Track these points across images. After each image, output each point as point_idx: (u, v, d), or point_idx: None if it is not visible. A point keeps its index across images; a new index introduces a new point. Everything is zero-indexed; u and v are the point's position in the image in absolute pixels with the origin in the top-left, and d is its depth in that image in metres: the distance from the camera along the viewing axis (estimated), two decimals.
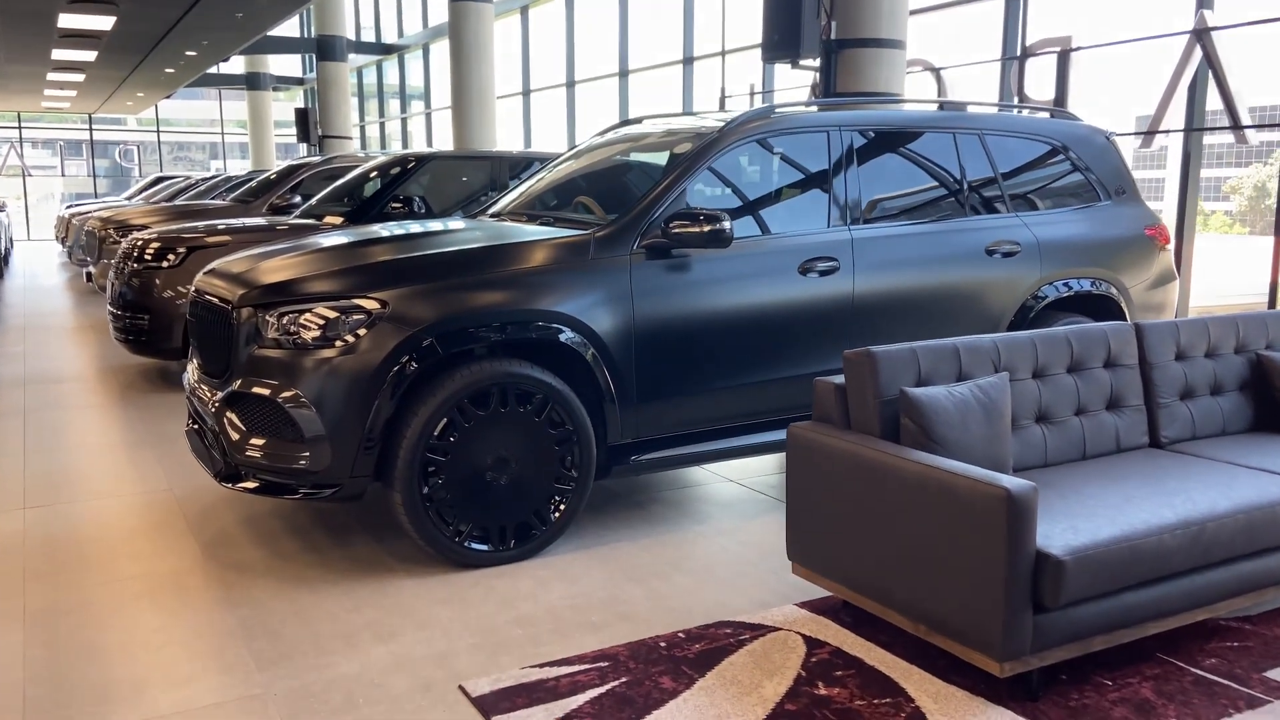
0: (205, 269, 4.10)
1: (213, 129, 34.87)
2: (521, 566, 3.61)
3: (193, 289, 3.99)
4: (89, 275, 11.06)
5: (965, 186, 4.60)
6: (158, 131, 33.15)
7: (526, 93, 16.94)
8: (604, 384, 3.71)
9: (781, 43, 6.76)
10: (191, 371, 4.06)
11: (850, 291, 4.18)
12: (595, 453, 3.73)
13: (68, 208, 20.11)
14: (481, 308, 3.51)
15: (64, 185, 33.60)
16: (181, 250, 6.95)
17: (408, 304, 3.43)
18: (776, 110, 4.31)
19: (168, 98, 26.75)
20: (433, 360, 3.42)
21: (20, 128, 29.69)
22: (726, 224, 3.73)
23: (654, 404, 3.84)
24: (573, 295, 3.66)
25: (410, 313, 3.42)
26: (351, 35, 22.68)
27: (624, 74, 13.93)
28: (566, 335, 3.62)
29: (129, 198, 18.99)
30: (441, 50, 20.09)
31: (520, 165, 7.88)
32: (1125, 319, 4.86)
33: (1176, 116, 6.89)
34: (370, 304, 3.41)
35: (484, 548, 3.57)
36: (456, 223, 4.51)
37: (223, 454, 3.58)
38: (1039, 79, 7.48)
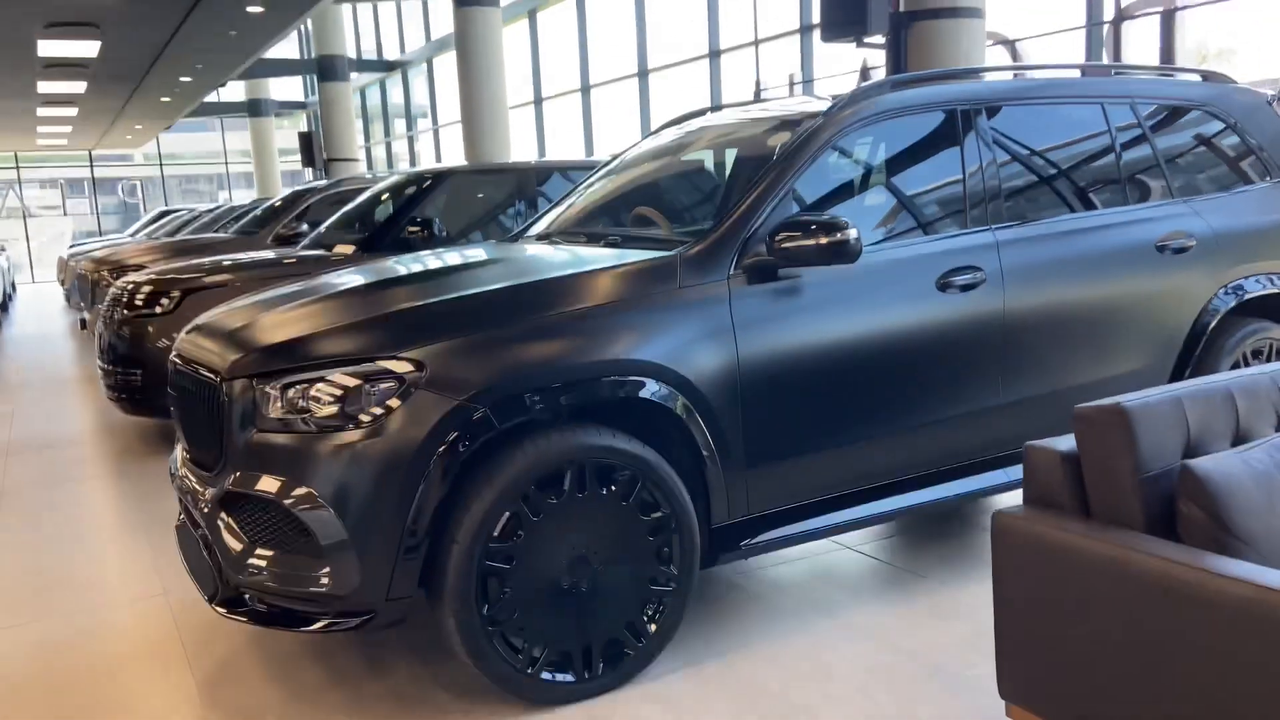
0: (188, 327, 3.26)
1: (217, 160, 34.32)
2: (616, 699, 2.75)
3: (173, 353, 3.15)
4: (83, 322, 10.27)
5: (1122, 168, 3.72)
6: (160, 165, 32.58)
7: (539, 101, 16.14)
8: (705, 448, 2.85)
9: (845, 19, 5.89)
10: (179, 454, 3.23)
11: (1000, 308, 3.30)
12: (699, 540, 2.87)
13: (70, 248, 19.43)
14: (546, 362, 2.66)
15: (73, 224, 33.03)
16: (176, 294, 6.14)
17: (451, 363, 2.58)
18: (894, 86, 3.44)
19: (168, 129, 26.10)
20: (488, 436, 2.57)
21: (18, 168, 29.13)
22: (852, 233, 2.87)
23: (768, 468, 2.98)
24: (659, 336, 2.81)
25: (455, 375, 2.57)
26: (352, 54, 21.98)
27: (644, 74, 13.09)
28: (652, 389, 2.76)
29: (133, 234, 18.29)
30: (446, 63, 19.34)
31: (550, 176, 7.04)
32: None
33: None
34: (402, 367, 2.57)
35: (566, 678, 2.71)
36: (496, 249, 3.66)
37: (218, 571, 2.74)
38: (1134, 47, 6.58)
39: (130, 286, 6.27)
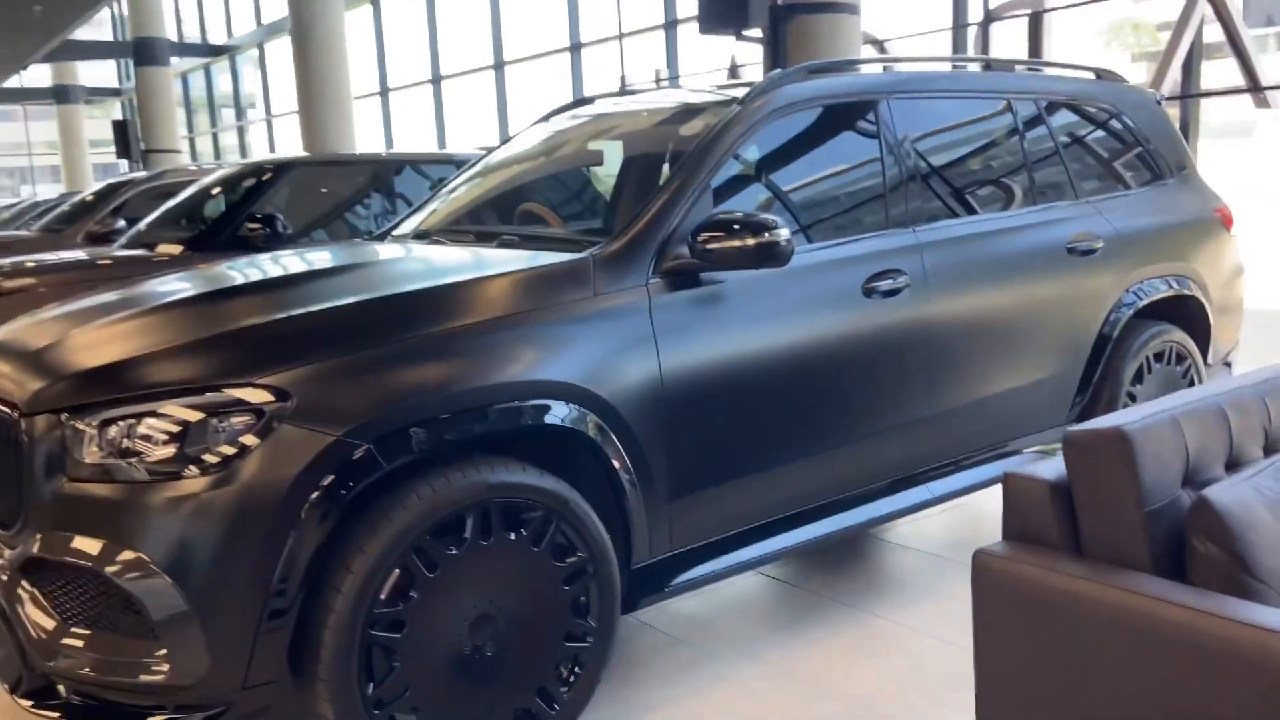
0: None
1: (20, 152, 31.39)
2: None
3: None
4: None
5: (1031, 165, 3.58)
6: None
7: (385, 92, 15.31)
8: (626, 478, 2.48)
9: (725, 12, 5.63)
10: None
11: (925, 314, 3.07)
12: (619, 585, 2.50)
13: None
14: (442, 384, 2.22)
15: None
16: None
17: (323, 391, 2.11)
18: (812, 73, 3.16)
19: None
20: (372, 478, 2.11)
21: None
22: (783, 233, 2.56)
23: (693, 498, 2.63)
24: (574, 351, 2.41)
25: (329, 405, 2.09)
26: (174, 36, 20.37)
27: (500, 65, 12.56)
28: (565, 413, 2.36)
29: None
30: (279, 49, 18.14)
31: (403, 169, 6.48)
32: (1208, 325, 3.95)
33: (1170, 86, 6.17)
34: (259, 396, 2.07)
35: None
36: (363, 250, 3.16)
37: (21, 654, 2.16)
38: (1002, 49, 6.64)
39: None
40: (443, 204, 3.55)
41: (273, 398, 2.06)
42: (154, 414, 2.05)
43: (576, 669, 2.42)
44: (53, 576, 2.10)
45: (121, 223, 7.43)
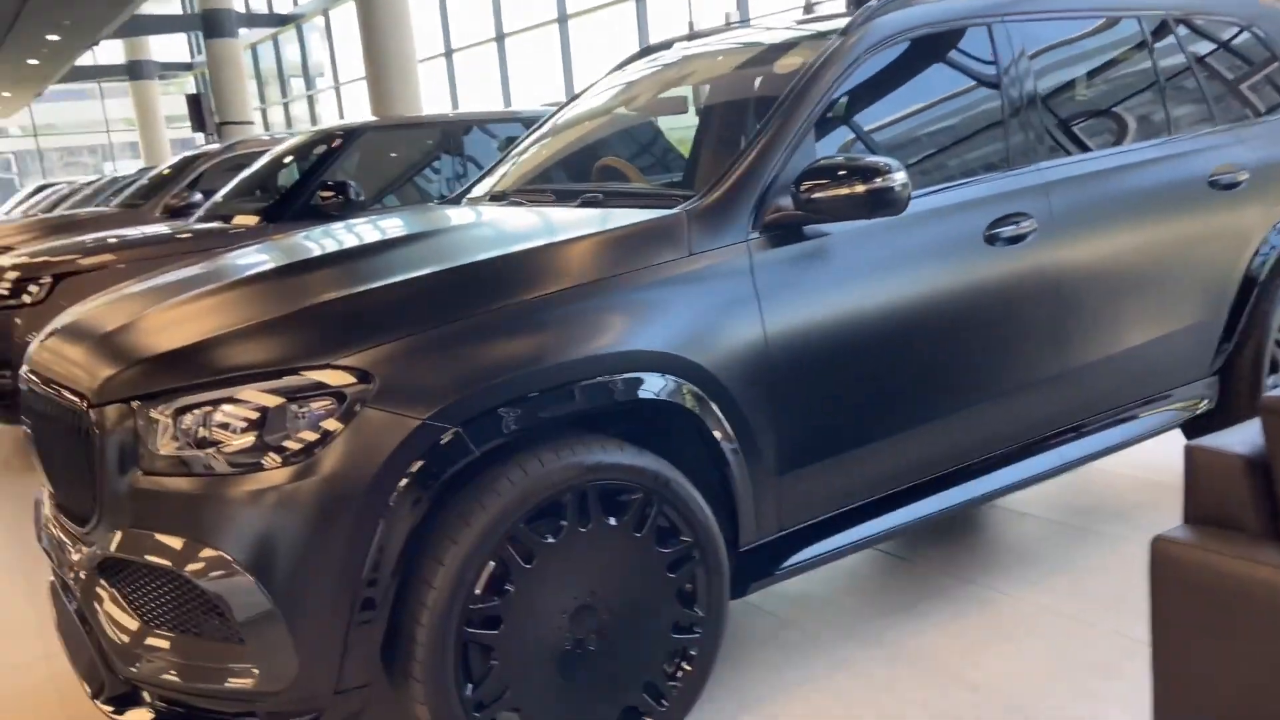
0: (45, 330, 2.52)
1: (99, 129, 32.13)
2: None
3: (26, 368, 2.41)
4: None
5: (1166, 91, 3.22)
6: (35, 136, 30.30)
7: (449, 53, 15.13)
8: (731, 453, 2.27)
9: None
10: (45, 495, 2.51)
11: (1052, 262, 2.78)
12: (727, 569, 2.30)
13: None
14: (534, 358, 2.03)
15: None
16: (46, 279, 5.26)
17: (407, 370, 1.93)
18: None
19: (40, 98, 24.13)
20: (460, 464, 1.94)
21: None
22: (898, 178, 2.29)
23: (803, 471, 2.41)
24: (672, 317, 2.20)
25: (414, 385, 1.92)
26: (241, 8, 20.48)
27: (564, 19, 12.26)
28: (663, 385, 2.16)
29: (6, 213, 16.74)
30: (344, 16, 18.10)
31: (470, 130, 6.29)
32: None
33: None
34: (340, 378, 1.90)
35: None
36: (437, 215, 2.98)
37: (103, 658, 2.06)
38: None
39: None
40: (517, 164, 3.35)
41: (354, 380, 1.90)
42: (230, 400, 1.90)
43: (685, 662, 2.24)
44: (131, 577, 1.99)
45: (198, 196, 7.43)
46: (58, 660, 2.95)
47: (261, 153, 7.64)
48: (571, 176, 3.24)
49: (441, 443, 1.90)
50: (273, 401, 1.89)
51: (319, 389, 1.89)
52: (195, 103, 19.46)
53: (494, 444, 1.96)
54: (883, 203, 2.29)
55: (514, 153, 3.47)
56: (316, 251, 2.65)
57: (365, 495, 1.86)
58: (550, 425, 2.05)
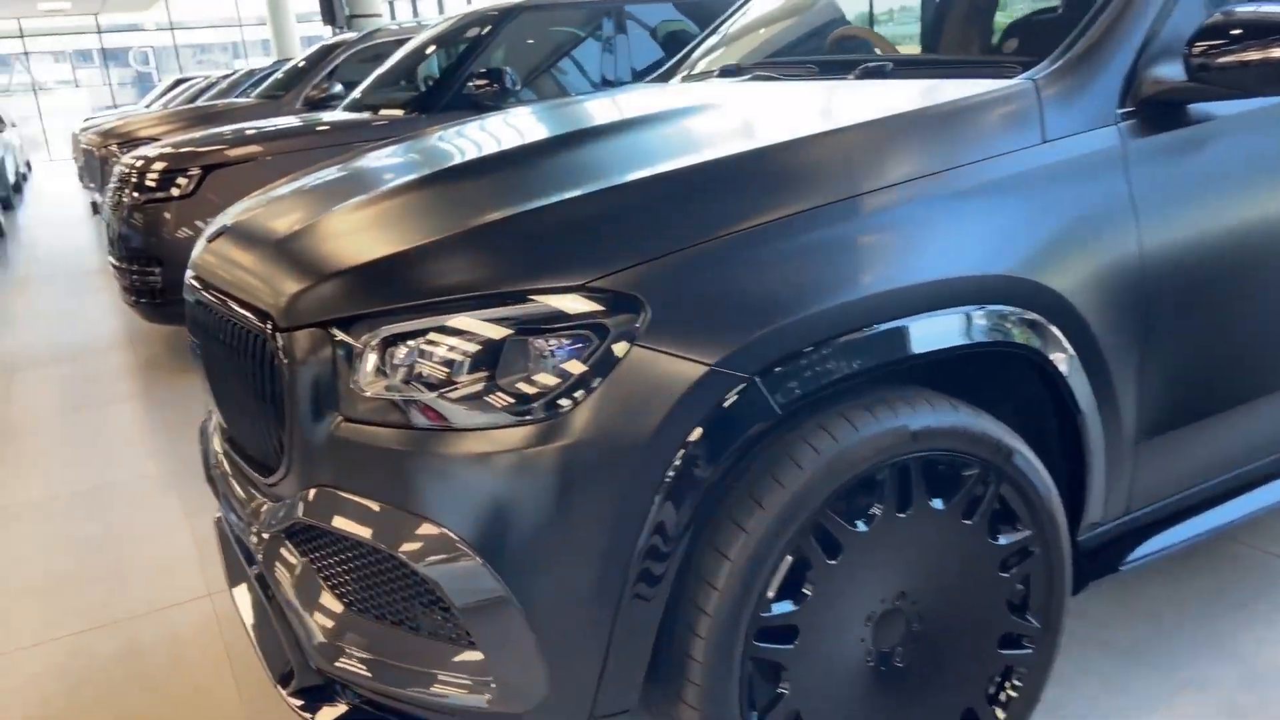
0: (210, 229, 2.10)
1: (231, 24, 32.38)
2: None
3: (190, 273, 2.00)
4: (95, 205, 9.11)
5: None
6: (172, 31, 30.75)
7: None
8: (1087, 413, 1.69)
9: None
10: (213, 423, 2.13)
11: None
12: (1069, 568, 1.75)
13: (84, 122, 18.10)
14: (843, 287, 1.48)
15: (89, 98, 31.38)
16: (195, 171, 4.96)
17: (686, 299, 1.41)
18: None
19: None
20: (759, 427, 1.42)
21: (23, 37, 27.46)
22: None
23: (1169, 438, 1.82)
24: (1021, 227, 1.61)
25: (696, 320, 1.40)
26: None
27: None
28: (1008, 323, 1.58)
29: (148, 106, 16.90)
30: None
31: (646, 5, 5.65)
32: None
33: None
34: (595, 305, 1.40)
35: None
36: (663, 96, 2.41)
37: (295, 644, 1.66)
38: None
39: (139, 163, 5.09)
40: (746, 33, 2.74)
41: (616, 309, 1.39)
42: (453, 331, 1.42)
43: (1014, 687, 1.72)
44: (327, 548, 1.56)
45: (339, 87, 7.05)
46: (220, 599, 2.64)
47: (400, 42, 7.19)
48: (830, 47, 2.61)
49: (733, 397, 1.39)
50: (506, 334, 1.40)
51: (567, 322, 1.39)
52: None
53: (800, 400, 1.44)
54: None
55: (733, 20, 2.85)
56: (514, 142, 2.13)
57: (635, 464, 1.37)
58: (863, 377, 1.51)
